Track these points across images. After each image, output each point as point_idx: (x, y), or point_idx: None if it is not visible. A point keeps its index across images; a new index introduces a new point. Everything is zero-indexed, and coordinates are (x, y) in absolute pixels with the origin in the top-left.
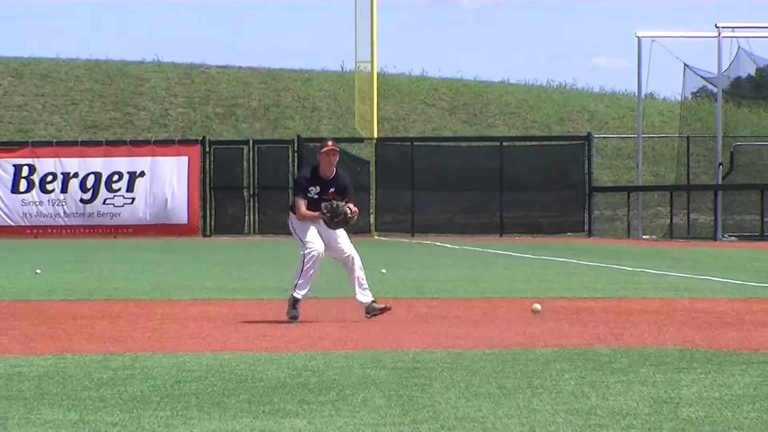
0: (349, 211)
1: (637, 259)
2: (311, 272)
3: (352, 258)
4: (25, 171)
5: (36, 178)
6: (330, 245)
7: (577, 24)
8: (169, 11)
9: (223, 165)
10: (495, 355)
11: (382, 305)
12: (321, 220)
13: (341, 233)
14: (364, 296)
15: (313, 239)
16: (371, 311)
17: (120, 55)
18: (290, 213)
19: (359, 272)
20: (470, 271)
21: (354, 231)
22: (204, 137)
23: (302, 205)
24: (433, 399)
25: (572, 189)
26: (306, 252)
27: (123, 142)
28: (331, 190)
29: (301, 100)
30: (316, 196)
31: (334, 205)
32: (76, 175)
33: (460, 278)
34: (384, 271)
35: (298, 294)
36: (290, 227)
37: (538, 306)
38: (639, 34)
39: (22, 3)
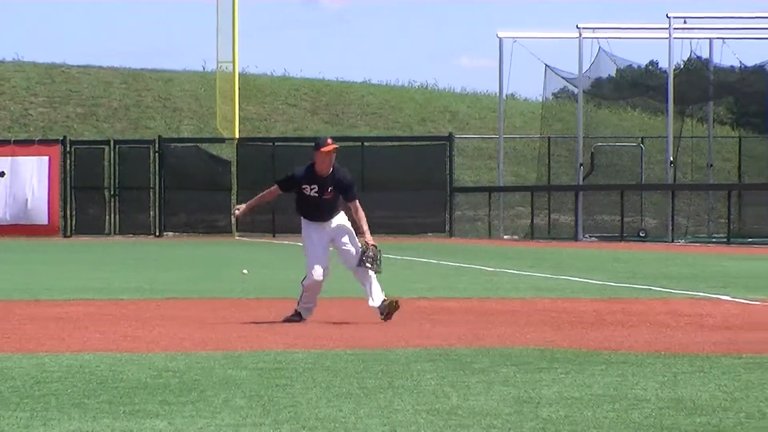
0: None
1: (498, 259)
2: (311, 304)
3: None
4: None
5: None
6: (336, 247)
7: (439, 24)
8: (29, 10)
9: (83, 165)
10: (356, 355)
11: (390, 300)
12: (322, 225)
13: (348, 236)
14: (376, 300)
15: (316, 264)
16: (383, 311)
17: None
18: (301, 218)
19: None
20: (332, 270)
21: (215, 231)
22: (65, 137)
23: (272, 191)
24: (294, 399)
25: (434, 189)
26: (306, 283)
27: None
28: (330, 188)
29: (163, 100)
30: (315, 194)
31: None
32: None
33: None
34: (245, 271)
35: (304, 313)
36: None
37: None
38: (500, 34)
39: None
